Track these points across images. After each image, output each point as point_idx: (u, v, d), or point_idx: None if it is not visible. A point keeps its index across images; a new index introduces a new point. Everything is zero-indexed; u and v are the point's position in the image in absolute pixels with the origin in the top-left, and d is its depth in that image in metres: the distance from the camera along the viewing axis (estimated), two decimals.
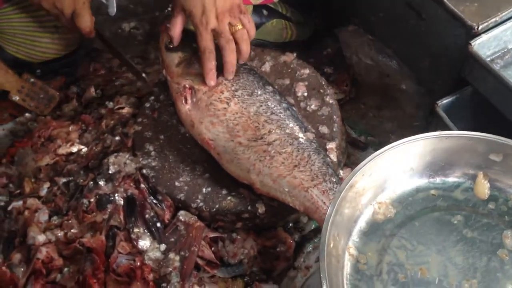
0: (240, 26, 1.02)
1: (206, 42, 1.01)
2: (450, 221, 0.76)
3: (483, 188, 0.78)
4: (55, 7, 1.10)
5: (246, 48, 1.06)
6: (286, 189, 0.96)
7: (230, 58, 1.04)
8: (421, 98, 1.24)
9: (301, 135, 1.03)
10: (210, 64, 1.02)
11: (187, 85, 1.07)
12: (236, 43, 1.04)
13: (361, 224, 0.77)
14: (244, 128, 1.03)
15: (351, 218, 0.76)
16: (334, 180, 0.97)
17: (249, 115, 1.04)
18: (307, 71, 1.23)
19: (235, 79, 1.07)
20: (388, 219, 0.77)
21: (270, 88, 1.09)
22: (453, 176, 0.80)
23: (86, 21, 1.12)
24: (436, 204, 0.78)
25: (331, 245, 0.70)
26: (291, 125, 1.03)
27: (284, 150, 0.99)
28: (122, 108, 1.22)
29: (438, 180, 0.80)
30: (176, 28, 1.05)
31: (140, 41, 1.43)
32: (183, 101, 1.07)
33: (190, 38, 1.11)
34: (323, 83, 1.21)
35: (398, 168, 0.79)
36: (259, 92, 1.07)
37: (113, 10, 1.20)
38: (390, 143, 1.27)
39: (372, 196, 0.78)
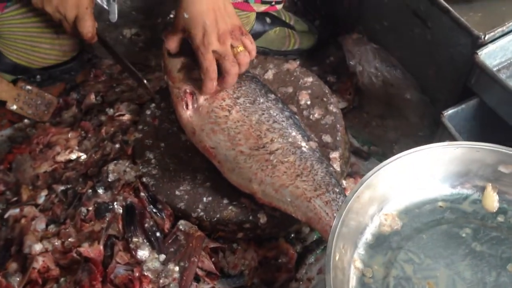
0: (241, 48, 1.01)
1: (209, 62, 0.99)
2: (458, 234, 0.74)
3: (492, 200, 0.77)
4: (58, 11, 1.10)
5: (247, 61, 1.03)
6: (289, 199, 0.95)
7: (233, 80, 1.02)
8: (425, 107, 1.22)
9: (304, 144, 1.01)
10: (212, 85, 1.01)
11: (188, 90, 1.05)
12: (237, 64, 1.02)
13: (367, 236, 0.75)
14: (246, 136, 1.01)
15: (357, 230, 0.74)
16: (338, 190, 0.95)
17: (251, 124, 1.02)
18: (310, 79, 1.22)
19: (237, 86, 1.06)
20: (394, 231, 0.76)
21: (273, 96, 1.08)
22: (461, 188, 0.78)
23: (89, 26, 1.11)
24: (444, 217, 0.76)
25: (337, 258, 0.68)
26: (293, 133, 1.02)
27: (286, 159, 0.98)
28: (123, 115, 1.20)
29: (445, 191, 0.78)
30: (173, 44, 1.04)
31: (141, 48, 1.42)
32: (184, 107, 1.06)
33: None
34: (327, 91, 1.20)
35: (405, 179, 0.77)
36: (261, 100, 1.05)
37: (114, 16, 1.19)
38: (393, 153, 1.26)
39: (378, 207, 0.77)
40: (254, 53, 1.03)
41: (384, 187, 0.75)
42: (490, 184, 0.77)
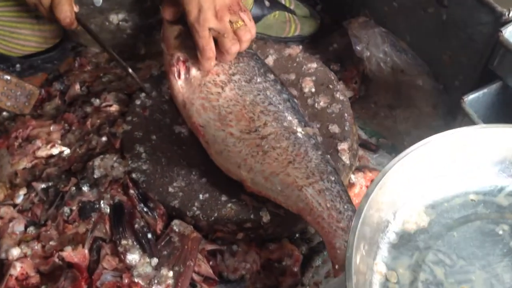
0: (241, 23, 0.95)
1: (206, 40, 0.94)
2: (494, 231, 0.65)
3: None
4: None
5: (249, 37, 0.97)
6: (279, 188, 0.90)
7: (233, 58, 0.98)
8: (438, 95, 1.15)
9: (299, 129, 0.96)
10: (210, 65, 0.97)
11: (181, 58, 1.00)
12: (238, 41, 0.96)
13: (390, 235, 0.66)
14: (238, 117, 0.96)
15: (378, 228, 0.65)
16: (333, 179, 0.89)
17: (245, 104, 0.97)
18: (314, 65, 1.15)
19: (234, 61, 1.01)
20: (421, 229, 0.66)
21: (272, 76, 1.02)
22: (496, 178, 0.69)
23: (66, 11, 1.03)
24: (477, 211, 0.67)
25: (358, 261, 0.58)
26: (289, 118, 0.96)
27: (278, 145, 0.93)
28: (110, 105, 1.14)
29: (477, 182, 0.69)
30: (169, 15, 1.00)
31: (130, 35, 1.35)
32: (176, 75, 1.00)
33: None
34: (332, 78, 1.14)
35: (432, 168, 0.68)
36: (258, 80, 1.00)
37: (98, 0, 1.12)
38: (404, 145, 1.19)
39: (402, 202, 0.67)
40: (254, 31, 0.97)
41: (408, 179, 0.66)
42: None
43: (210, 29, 0.93)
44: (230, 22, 0.94)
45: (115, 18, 1.30)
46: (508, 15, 0.90)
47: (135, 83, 1.14)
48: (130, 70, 1.09)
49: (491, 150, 0.68)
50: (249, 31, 0.96)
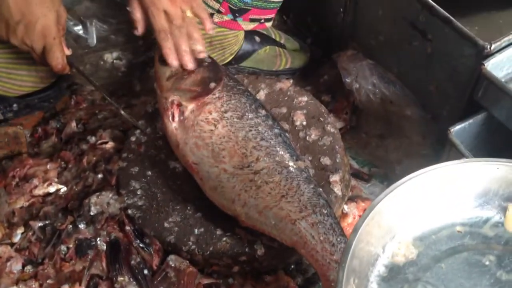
0: (189, 13, 1.01)
1: (161, 22, 0.99)
2: (481, 262, 0.66)
3: None
4: (24, 43, 1.04)
5: (197, 35, 1.04)
6: (273, 222, 0.90)
7: (183, 45, 1.03)
8: (427, 125, 1.16)
9: (291, 163, 0.96)
10: (169, 43, 1.01)
11: (175, 101, 1.02)
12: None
13: (380, 268, 0.67)
14: (231, 154, 0.96)
15: (368, 261, 0.66)
16: (325, 212, 0.90)
17: (237, 140, 0.97)
18: (305, 98, 1.17)
19: (226, 99, 1.02)
20: (410, 261, 0.67)
21: (263, 111, 1.03)
22: (481, 210, 0.71)
23: (57, 58, 1.05)
24: (464, 243, 0.69)
25: None
26: (281, 152, 0.97)
27: (271, 179, 0.93)
28: (106, 143, 1.15)
29: (463, 214, 0.71)
30: (137, 12, 1.02)
31: (124, 73, 1.37)
32: (170, 118, 1.02)
33: None
34: (323, 111, 1.15)
35: (418, 202, 0.69)
36: (250, 116, 1.01)
37: (92, 41, 1.16)
38: (396, 174, 1.21)
39: (390, 235, 0.69)
40: (208, 25, 1.05)
41: (395, 212, 0.68)
42: None
43: (164, 11, 0.97)
44: (181, 9, 0.99)
45: (110, 57, 1.33)
46: (490, 48, 0.92)
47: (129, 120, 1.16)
48: (122, 112, 1.10)
49: (476, 182, 0.70)
50: (195, 20, 1.02)
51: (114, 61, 1.35)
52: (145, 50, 1.34)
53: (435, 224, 0.70)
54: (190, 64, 1.04)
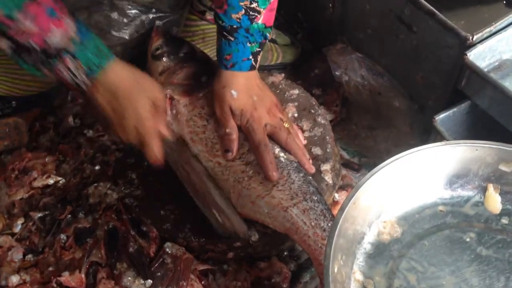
0: (287, 124, 1.02)
1: (261, 135, 0.98)
2: (462, 239, 0.70)
3: (495, 201, 0.73)
4: (125, 140, 0.96)
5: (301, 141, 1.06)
6: (266, 210, 0.92)
7: (299, 145, 1.02)
8: (414, 115, 1.19)
9: (281, 154, 0.99)
10: (269, 156, 0.96)
11: (167, 95, 1.02)
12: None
13: (366, 245, 0.71)
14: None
15: (354, 239, 0.69)
16: (316, 198, 0.92)
17: None
18: (296, 91, 1.19)
19: None
20: (394, 239, 0.71)
21: None
22: (462, 190, 0.75)
23: (152, 155, 0.93)
24: (445, 221, 0.72)
25: (336, 270, 0.63)
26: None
27: (262, 170, 0.95)
28: (102, 135, 1.17)
29: (445, 194, 0.74)
30: (235, 131, 1.00)
31: None
32: None
33: (177, 46, 1.08)
34: (314, 103, 1.17)
35: (402, 183, 0.73)
36: None
37: None
38: None
39: (376, 214, 0.72)
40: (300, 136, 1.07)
41: (380, 193, 0.71)
42: (492, 185, 0.73)
43: (266, 125, 0.99)
44: (281, 119, 1.01)
45: None
46: (472, 39, 0.95)
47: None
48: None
49: (457, 164, 0.74)
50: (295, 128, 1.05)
51: None
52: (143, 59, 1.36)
53: (419, 204, 0.74)
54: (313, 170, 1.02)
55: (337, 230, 0.64)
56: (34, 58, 0.82)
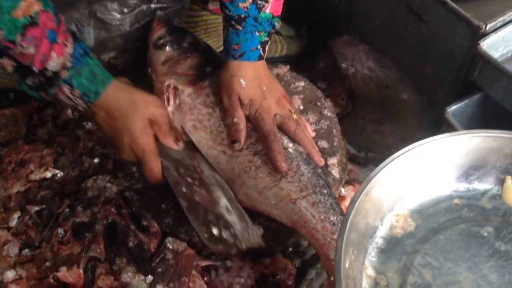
0: (296, 115, 1.00)
1: (270, 125, 0.96)
2: (479, 234, 0.67)
3: None
4: (125, 159, 0.96)
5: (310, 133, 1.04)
6: (273, 202, 0.90)
7: (308, 137, 1.00)
8: (423, 109, 1.17)
9: (290, 145, 0.97)
10: (279, 147, 0.94)
11: (171, 85, 1.01)
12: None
13: (378, 240, 0.67)
14: None
15: (366, 233, 0.66)
16: (325, 191, 0.90)
17: None
18: (302, 83, 1.16)
19: None
20: (408, 233, 0.68)
21: None
22: (478, 182, 0.71)
23: (149, 170, 0.93)
24: (461, 215, 0.69)
25: (347, 266, 0.60)
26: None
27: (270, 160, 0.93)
28: None
29: (461, 187, 0.71)
30: (242, 121, 0.97)
31: (122, 70, 1.34)
32: (165, 102, 1.00)
33: (180, 36, 1.07)
34: (320, 95, 1.14)
35: (416, 174, 0.69)
36: None
37: (90, 43, 1.14)
38: None
39: (388, 207, 0.69)
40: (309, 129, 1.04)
41: (393, 184, 0.68)
42: (510, 177, 0.70)
43: (275, 115, 0.97)
44: (290, 111, 0.99)
45: (107, 56, 1.31)
46: (485, 28, 0.93)
47: None
48: None
49: (474, 155, 0.70)
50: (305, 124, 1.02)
51: (111, 60, 1.34)
52: (144, 50, 1.34)
53: (433, 197, 0.71)
54: (321, 163, 0.99)
55: (348, 223, 0.61)
56: (34, 80, 0.84)
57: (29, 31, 0.79)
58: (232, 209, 0.92)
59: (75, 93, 0.86)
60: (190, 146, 0.98)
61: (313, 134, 1.04)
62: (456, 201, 0.70)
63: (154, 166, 0.92)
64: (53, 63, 0.83)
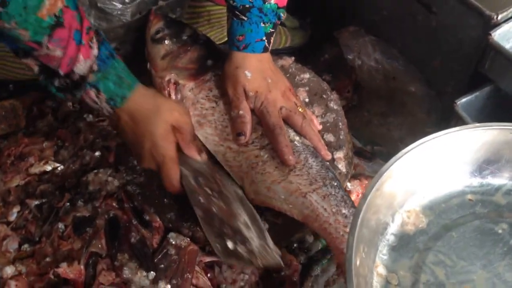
0: (301, 108, 0.98)
1: (276, 118, 0.94)
2: (493, 231, 0.65)
3: None
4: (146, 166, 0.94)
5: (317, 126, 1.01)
6: (282, 196, 0.89)
7: (315, 131, 0.98)
8: (431, 101, 1.15)
9: (297, 138, 0.95)
10: (285, 140, 0.92)
11: (171, 80, 1.00)
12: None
13: (389, 237, 0.65)
14: None
15: (377, 230, 0.64)
16: (336, 184, 0.89)
17: None
18: (307, 75, 1.14)
19: None
20: (420, 230, 0.66)
21: None
22: (492, 177, 0.69)
23: (167, 179, 0.90)
24: (475, 211, 0.67)
25: (358, 263, 0.58)
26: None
27: (277, 154, 0.92)
28: (103, 120, 1.12)
29: (474, 182, 0.69)
30: (248, 113, 0.95)
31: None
32: None
33: (179, 29, 1.05)
34: (326, 88, 1.12)
35: (428, 169, 0.68)
36: None
37: None
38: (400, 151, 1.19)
39: (399, 203, 0.67)
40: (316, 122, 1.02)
41: (404, 180, 0.66)
42: None
43: (281, 108, 0.94)
44: (295, 104, 0.97)
45: None
46: (497, 18, 0.91)
47: None
48: None
49: (487, 149, 0.68)
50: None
51: None
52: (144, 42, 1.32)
53: (445, 192, 0.69)
54: (328, 157, 0.97)
55: (359, 219, 0.59)
56: (61, 82, 0.83)
57: (56, 33, 0.77)
58: (251, 225, 0.89)
59: (101, 97, 0.85)
60: (212, 158, 0.96)
61: (320, 127, 1.02)
62: (469, 196, 0.68)
63: (173, 173, 0.88)
64: (81, 66, 0.81)
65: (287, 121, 0.95)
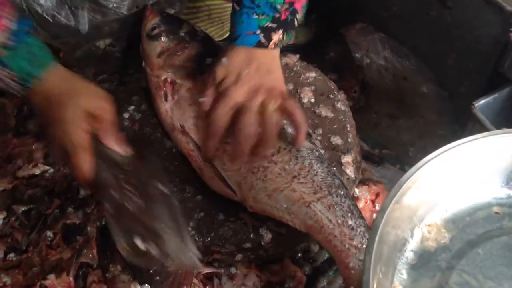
0: (272, 108, 0.85)
1: (222, 112, 0.85)
2: None
3: None
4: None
5: (270, 133, 0.85)
6: (284, 205, 0.85)
7: (246, 132, 0.85)
8: (444, 103, 1.12)
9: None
10: (211, 145, 0.88)
11: (168, 79, 0.97)
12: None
13: (408, 254, 0.60)
14: None
15: (395, 246, 0.59)
16: (342, 193, 0.85)
17: None
18: (313, 74, 1.10)
19: None
20: (442, 246, 0.61)
21: None
22: None
23: (77, 167, 0.81)
24: (502, 225, 0.62)
25: (375, 286, 0.52)
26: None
27: (280, 159, 0.88)
28: None
29: (501, 193, 0.64)
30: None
31: (118, 58, 1.30)
32: (163, 98, 0.96)
33: (176, 25, 1.02)
34: (333, 87, 1.09)
35: (451, 179, 0.63)
36: None
37: (84, 27, 1.09)
38: (409, 156, 1.14)
39: (419, 217, 0.62)
40: (302, 127, 0.87)
41: (425, 191, 0.61)
42: None
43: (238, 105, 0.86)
44: (263, 102, 0.85)
45: (102, 43, 1.26)
46: None
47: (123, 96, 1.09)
48: None
49: None
50: (277, 118, 0.85)
51: (107, 47, 1.28)
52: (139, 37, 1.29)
53: (470, 205, 0.64)
54: (236, 165, 0.89)
55: (377, 235, 0.53)
56: None
57: None
58: (172, 227, 0.81)
59: (10, 75, 0.78)
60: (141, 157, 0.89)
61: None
62: (495, 209, 0.64)
63: (83, 163, 0.78)
64: None
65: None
